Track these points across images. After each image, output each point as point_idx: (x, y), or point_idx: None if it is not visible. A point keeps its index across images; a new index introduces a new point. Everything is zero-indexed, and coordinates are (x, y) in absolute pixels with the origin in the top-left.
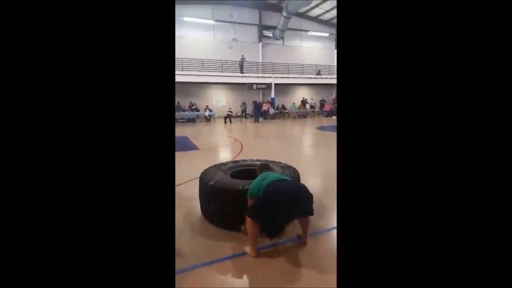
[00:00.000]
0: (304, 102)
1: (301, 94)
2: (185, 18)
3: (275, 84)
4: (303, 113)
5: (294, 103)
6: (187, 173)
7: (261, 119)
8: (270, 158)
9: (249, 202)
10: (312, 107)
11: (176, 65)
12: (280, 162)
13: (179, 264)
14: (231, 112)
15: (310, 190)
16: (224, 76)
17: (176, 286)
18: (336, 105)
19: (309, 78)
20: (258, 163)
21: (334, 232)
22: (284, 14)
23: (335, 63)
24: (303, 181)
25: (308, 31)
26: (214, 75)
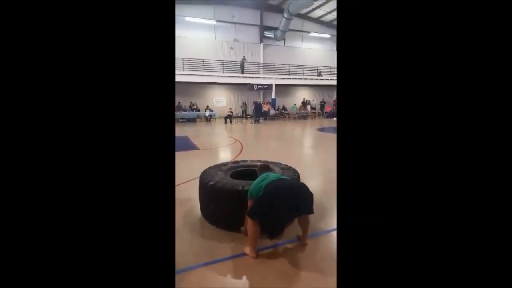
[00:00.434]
0: (304, 103)
1: (302, 95)
2: (187, 18)
3: (276, 85)
4: (303, 114)
5: (295, 104)
6: (187, 173)
7: (261, 119)
8: (270, 159)
9: (249, 203)
10: (313, 108)
11: (177, 65)
12: (281, 163)
13: (178, 264)
14: (231, 112)
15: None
16: (225, 76)
17: (176, 287)
18: (336, 106)
19: (310, 79)
20: (258, 164)
21: (334, 233)
22: (286, 15)
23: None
24: (303, 182)
25: (309, 32)
26: (215, 76)
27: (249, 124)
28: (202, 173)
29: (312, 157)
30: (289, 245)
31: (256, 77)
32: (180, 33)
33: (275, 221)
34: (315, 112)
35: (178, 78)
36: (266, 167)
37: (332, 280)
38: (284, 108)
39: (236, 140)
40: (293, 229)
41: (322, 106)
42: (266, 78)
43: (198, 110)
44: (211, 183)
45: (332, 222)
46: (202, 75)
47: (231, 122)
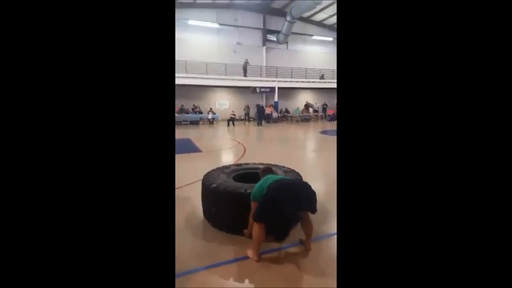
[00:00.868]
0: (307, 106)
1: (305, 98)
2: (190, 22)
3: (279, 88)
4: (306, 117)
5: (298, 107)
6: (190, 175)
7: (264, 122)
8: (273, 161)
9: (253, 205)
10: (315, 111)
11: (180, 68)
12: (283, 166)
13: (180, 267)
14: (234, 115)
15: None
16: (228, 79)
17: None
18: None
19: (312, 82)
20: (261, 166)
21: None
22: (288, 18)
23: None
24: None
25: (312, 35)
26: (218, 78)
27: (252, 127)
28: (204, 175)
29: (314, 160)
30: (292, 249)
31: (258, 80)
32: (183, 36)
33: (279, 218)
34: (317, 115)
35: (181, 81)
36: (268, 169)
37: (335, 284)
38: (286, 111)
39: (238, 143)
40: (296, 233)
41: (324, 109)
42: (268, 81)
43: (201, 113)
44: (214, 185)
45: (334, 226)
46: (205, 78)
47: (233, 124)
